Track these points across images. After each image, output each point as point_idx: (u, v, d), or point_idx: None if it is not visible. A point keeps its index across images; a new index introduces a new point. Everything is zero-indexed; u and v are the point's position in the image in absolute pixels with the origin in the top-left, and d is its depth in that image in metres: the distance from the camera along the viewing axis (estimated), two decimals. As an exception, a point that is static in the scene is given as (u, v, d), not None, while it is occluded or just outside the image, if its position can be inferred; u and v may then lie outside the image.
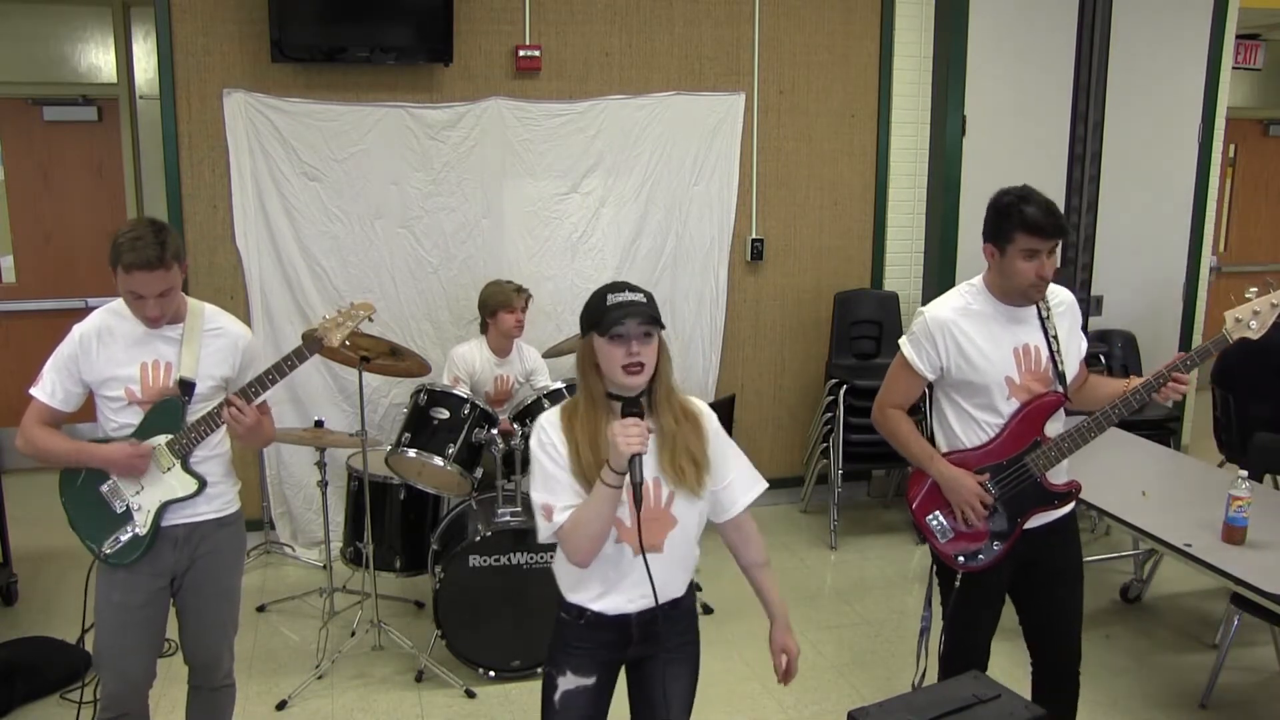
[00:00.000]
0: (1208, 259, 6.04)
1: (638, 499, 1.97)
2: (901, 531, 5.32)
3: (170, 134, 4.62)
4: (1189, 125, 5.80)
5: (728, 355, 5.47)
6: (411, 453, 3.81)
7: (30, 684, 3.60)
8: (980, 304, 2.68)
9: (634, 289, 2.08)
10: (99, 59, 6.15)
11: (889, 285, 5.63)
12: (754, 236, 5.39)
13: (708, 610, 4.36)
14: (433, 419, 3.83)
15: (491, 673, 3.74)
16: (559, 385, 4.16)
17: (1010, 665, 2.88)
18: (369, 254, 4.84)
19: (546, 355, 4.57)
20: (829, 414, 5.22)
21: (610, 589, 2.13)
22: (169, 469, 2.64)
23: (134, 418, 2.63)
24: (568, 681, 2.17)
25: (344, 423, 4.75)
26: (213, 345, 2.69)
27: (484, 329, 4.44)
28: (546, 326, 4.95)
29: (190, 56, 4.58)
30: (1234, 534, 3.16)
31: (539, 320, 4.72)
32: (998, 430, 2.66)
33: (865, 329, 5.49)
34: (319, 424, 4.28)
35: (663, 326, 2.09)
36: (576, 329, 2.21)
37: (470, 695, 3.68)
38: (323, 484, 4.14)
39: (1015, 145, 5.48)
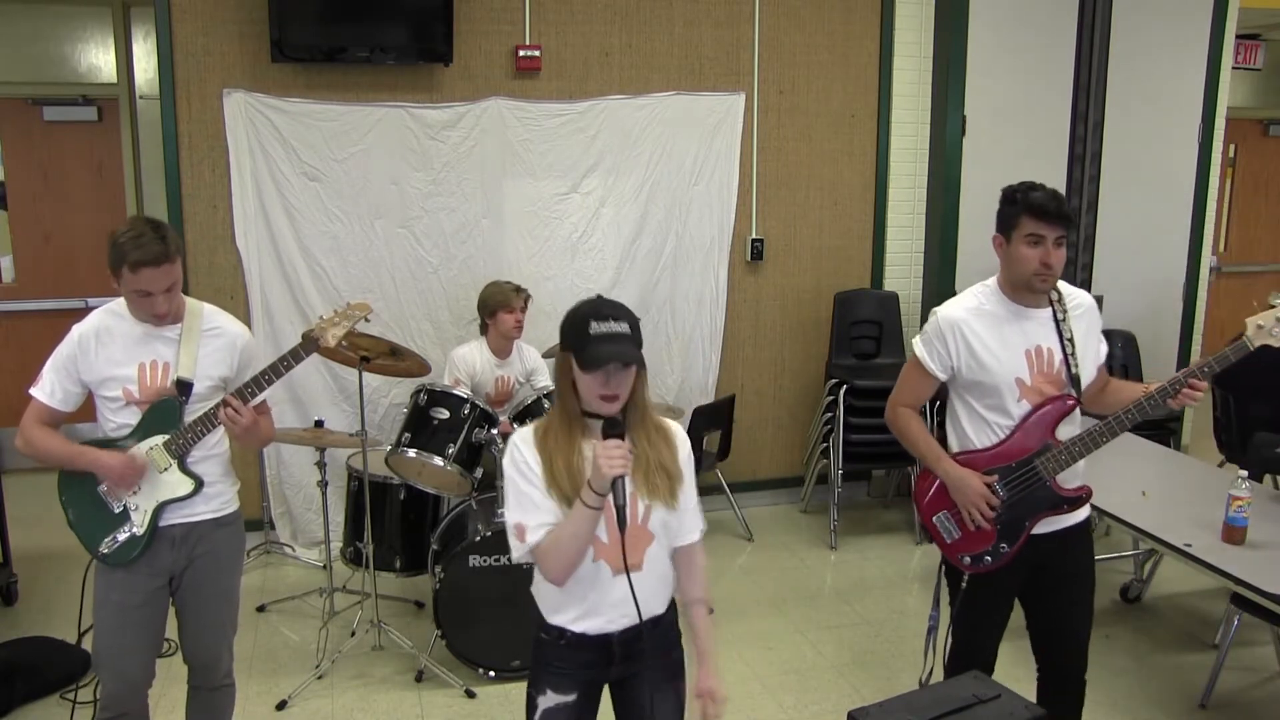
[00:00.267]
0: (1208, 259, 6.04)
1: (621, 522, 1.94)
2: (901, 531, 5.32)
3: (170, 134, 4.62)
4: (1189, 125, 5.80)
5: (728, 355, 5.47)
6: (411, 453, 3.81)
7: (30, 684, 3.60)
8: (993, 304, 2.67)
9: (618, 316, 2.00)
10: (99, 59, 6.15)
11: (889, 285, 5.63)
12: (754, 236, 5.39)
13: (708, 610, 4.35)
14: (433, 419, 3.83)
15: (491, 673, 3.74)
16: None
17: (1011, 665, 2.87)
18: (369, 254, 4.84)
19: (546, 355, 4.56)
20: (829, 414, 5.22)
21: (591, 610, 2.09)
22: (166, 469, 2.64)
23: (132, 418, 2.63)
24: (547, 700, 2.14)
25: (344, 423, 4.75)
26: (211, 345, 2.69)
27: (483, 330, 4.44)
28: (546, 326, 4.93)
29: (190, 56, 4.58)
30: (1234, 534, 3.16)
31: (539, 320, 4.72)
32: (1008, 432, 2.65)
33: (865, 329, 5.48)
34: (319, 424, 4.28)
35: (642, 363, 2.04)
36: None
37: (470, 695, 3.68)
38: (323, 484, 4.14)
39: (1015, 145, 5.48)
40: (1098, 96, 5.58)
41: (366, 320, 2.93)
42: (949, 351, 2.67)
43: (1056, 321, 2.65)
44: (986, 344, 2.64)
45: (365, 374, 3.84)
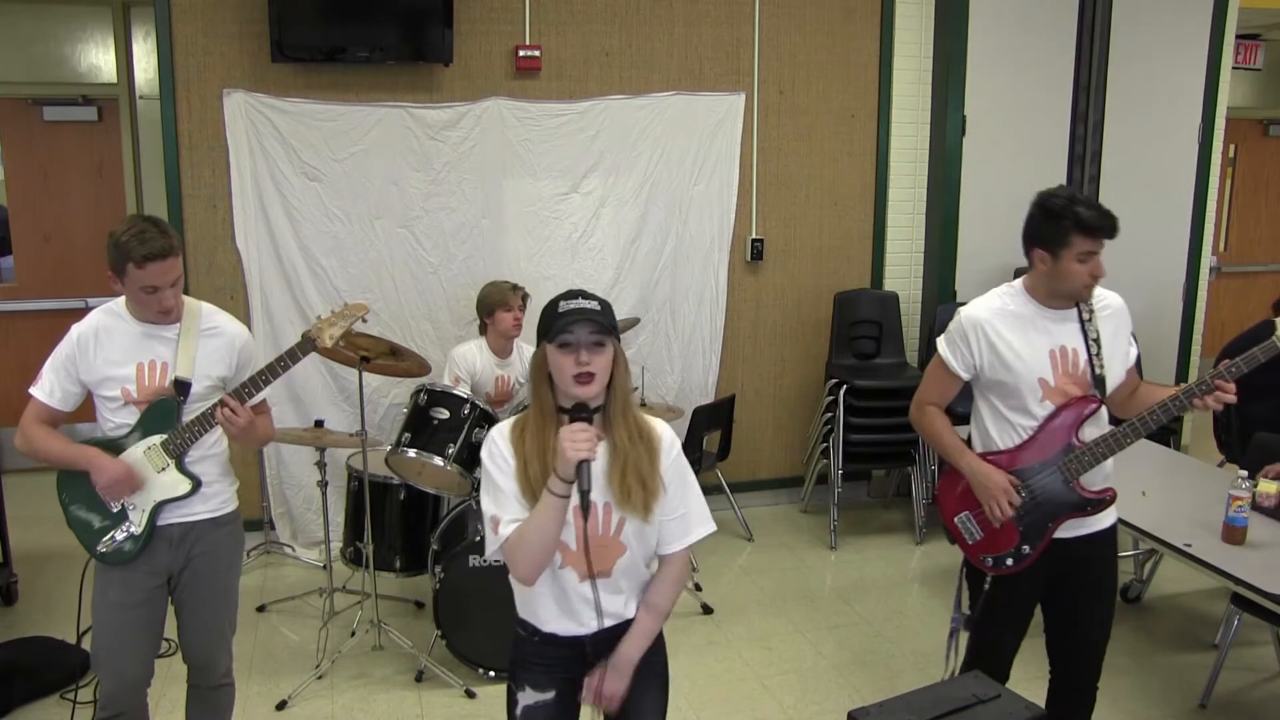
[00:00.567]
0: (1208, 259, 6.04)
1: (584, 506, 1.90)
2: (901, 531, 5.32)
3: (170, 134, 4.62)
4: (1189, 125, 5.80)
5: (728, 355, 5.47)
6: (411, 453, 3.80)
7: (30, 684, 3.60)
8: (1018, 305, 2.65)
9: (588, 296, 2.01)
10: (99, 59, 6.14)
11: (889, 285, 5.63)
12: (754, 236, 5.39)
13: (708, 610, 4.36)
14: (433, 419, 3.83)
15: (491, 673, 3.74)
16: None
17: (1021, 665, 2.85)
18: (369, 254, 4.84)
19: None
20: (829, 414, 5.22)
21: (559, 613, 2.08)
22: (164, 469, 2.65)
23: (131, 417, 2.63)
24: (527, 697, 2.13)
25: (344, 423, 4.75)
26: (209, 345, 2.69)
27: (483, 330, 4.44)
28: (546, 326, 4.94)
29: (190, 56, 4.58)
30: (1234, 534, 3.16)
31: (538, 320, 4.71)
32: (1031, 432, 2.63)
33: (865, 329, 5.48)
34: (319, 424, 4.28)
35: (617, 338, 2.02)
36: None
37: (470, 695, 3.68)
38: (323, 484, 4.14)
39: (1015, 145, 5.48)
40: (1098, 96, 5.58)
41: (364, 320, 2.93)
42: (972, 351, 2.66)
43: (1082, 322, 2.63)
44: (1010, 344, 2.62)
45: (365, 374, 3.84)
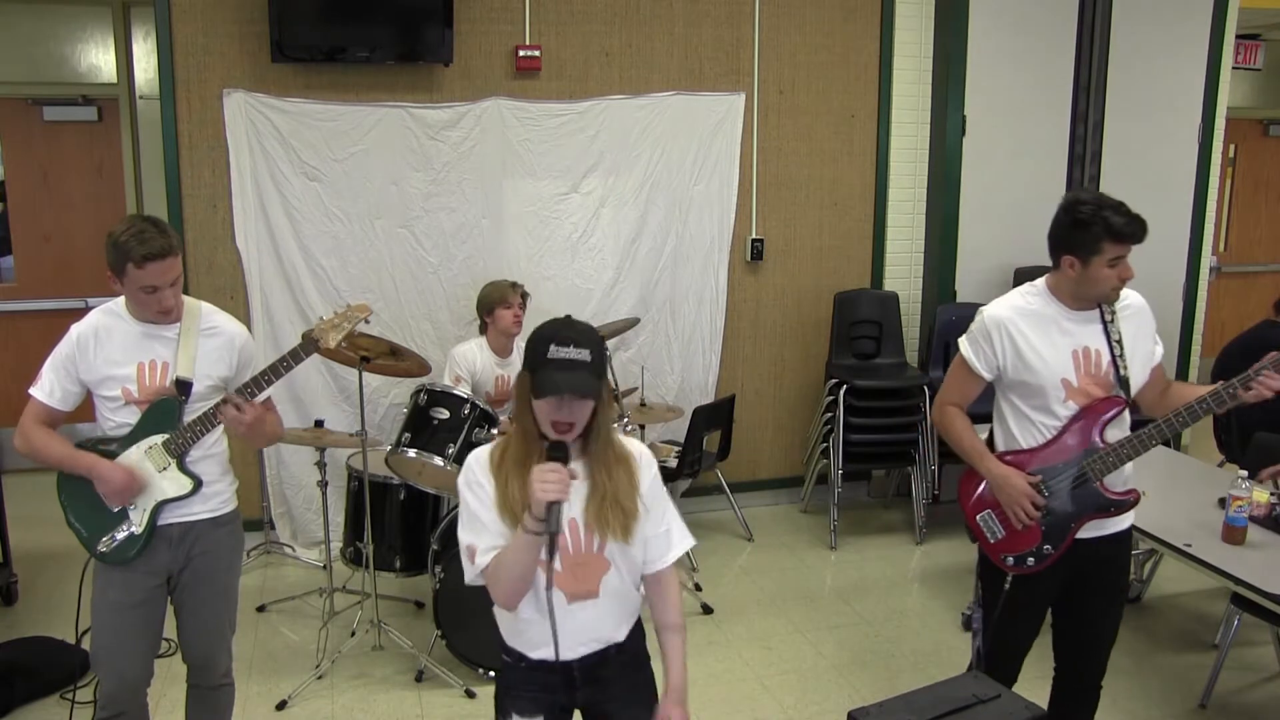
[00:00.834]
0: (1208, 259, 6.04)
1: (551, 550, 1.89)
2: (901, 531, 5.32)
3: (170, 134, 4.62)
4: (1189, 125, 5.80)
5: (728, 355, 5.47)
6: (412, 453, 3.80)
7: (30, 684, 3.60)
8: (1040, 305, 2.64)
9: (579, 342, 1.94)
10: (99, 59, 6.15)
11: (889, 285, 5.63)
12: (754, 236, 5.39)
13: (708, 610, 4.36)
14: (433, 419, 3.83)
15: (491, 673, 3.73)
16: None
17: (1027, 663, 2.85)
18: (369, 254, 4.84)
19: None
20: (829, 414, 5.22)
21: (547, 638, 2.02)
22: (165, 468, 2.64)
23: (131, 417, 2.63)
24: None
25: (344, 423, 4.75)
26: (209, 345, 2.69)
27: (483, 330, 4.44)
28: (546, 327, 4.94)
29: (190, 56, 4.58)
30: (1234, 534, 3.16)
31: (538, 320, 4.66)
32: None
33: (865, 329, 5.48)
34: (319, 424, 4.28)
35: (606, 379, 2.00)
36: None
37: (470, 695, 3.68)
38: (323, 484, 4.14)
39: (1015, 145, 5.48)
40: (1098, 96, 5.58)
41: (366, 321, 2.94)
42: (994, 351, 2.65)
43: (1104, 322, 2.62)
44: (1033, 344, 2.61)
45: (365, 374, 3.84)
